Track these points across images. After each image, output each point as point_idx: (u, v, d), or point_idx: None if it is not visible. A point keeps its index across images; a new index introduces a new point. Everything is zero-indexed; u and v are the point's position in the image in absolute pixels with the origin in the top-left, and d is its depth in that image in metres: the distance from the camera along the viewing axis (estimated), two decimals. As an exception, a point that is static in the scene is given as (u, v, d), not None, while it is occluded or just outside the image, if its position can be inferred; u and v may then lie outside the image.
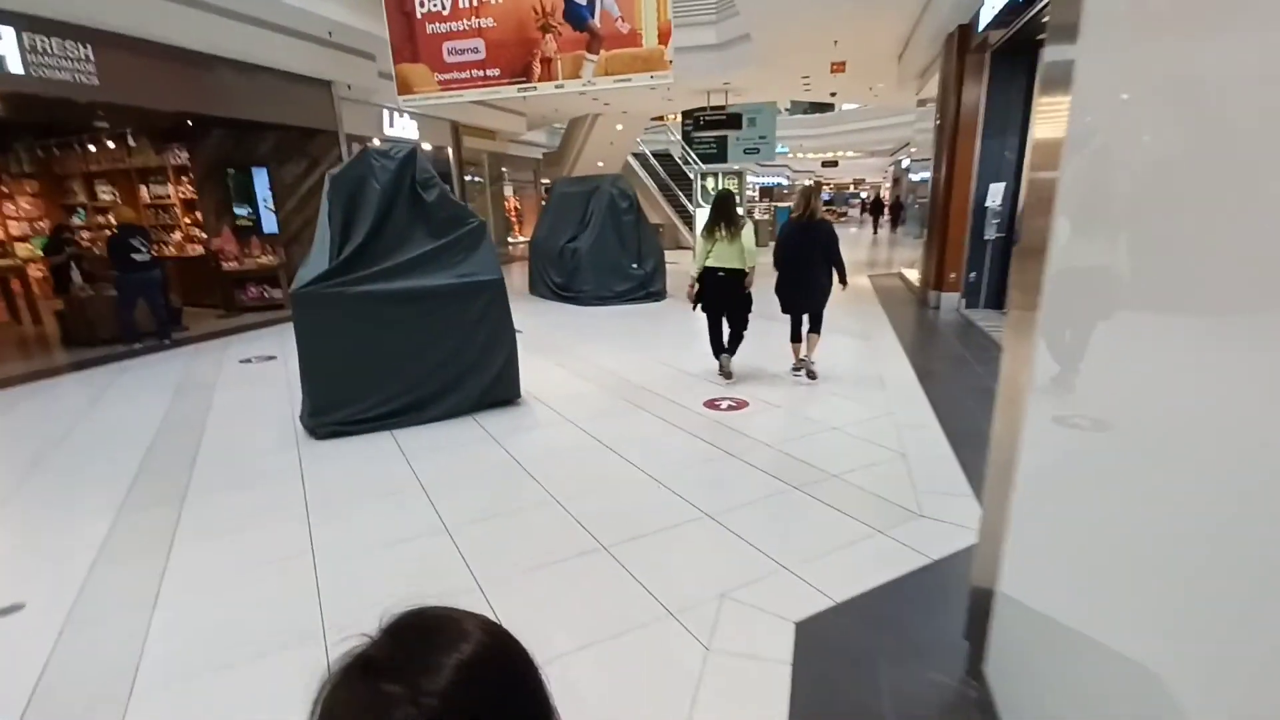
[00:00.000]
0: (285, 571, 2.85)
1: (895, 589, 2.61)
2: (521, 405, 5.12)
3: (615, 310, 9.36)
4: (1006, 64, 8.01)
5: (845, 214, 39.50)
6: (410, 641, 0.55)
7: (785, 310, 5.67)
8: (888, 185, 37.47)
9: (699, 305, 5.62)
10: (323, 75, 9.98)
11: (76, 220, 11.15)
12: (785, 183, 38.38)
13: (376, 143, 13.83)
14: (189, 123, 9.51)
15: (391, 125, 12.71)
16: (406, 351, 4.60)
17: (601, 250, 9.60)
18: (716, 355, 5.77)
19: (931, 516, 3.20)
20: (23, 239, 10.71)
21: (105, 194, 10.87)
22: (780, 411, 4.91)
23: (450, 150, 14.64)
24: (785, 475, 3.70)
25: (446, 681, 0.51)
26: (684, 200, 19.44)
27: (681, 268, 14.83)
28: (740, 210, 5.85)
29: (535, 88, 8.79)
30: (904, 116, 24.58)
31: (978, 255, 8.56)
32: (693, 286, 5.59)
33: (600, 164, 20.35)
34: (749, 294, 5.47)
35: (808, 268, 5.41)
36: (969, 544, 2.86)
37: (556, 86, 8.72)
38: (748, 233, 5.36)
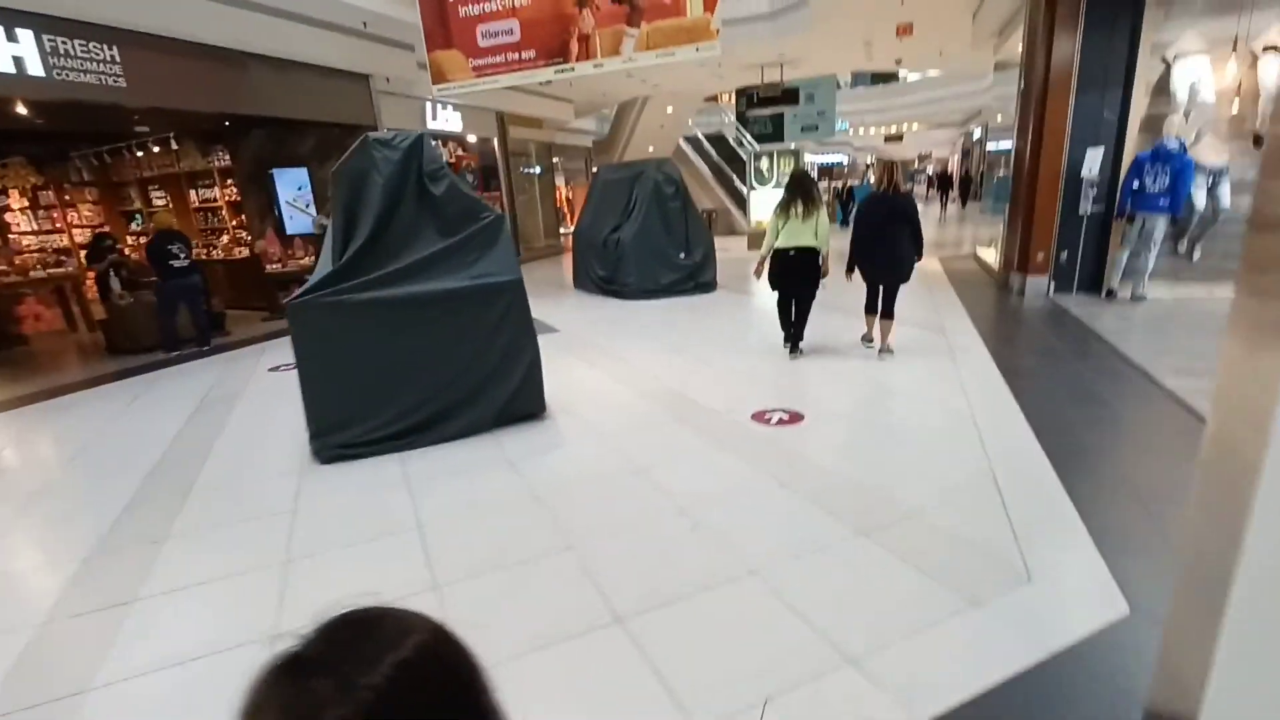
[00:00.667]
0: (239, 645, 2.39)
1: (1003, 699, 1.92)
2: (546, 420, 4.57)
3: (662, 304, 8.73)
4: (1105, 8, 6.89)
5: (910, 190, 37.36)
6: (345, 638, 0.52)
7: (864, 279, 5.55)
8: (956, 158, 35.21)
9: (771, 285, 5.60)
10: (359, 68, 9.67)
11: (134, 226, 11.31)
12: (846, 161, 36.61)
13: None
14: (227, 124, 9.37)
15: (435, 118, 12.39)
16: (416, 365, 4.12)
17: (646, 240, 8.96)
18: (785, 333, 5.75)
19: (1042, 578, 2.47)
20: (85, 246, 10.90)
21: (159, 199, 10.95)
22: (841, 425, 4.19)
23: (495, 141, 14.25)
24: (849, 513, 3.02)
25: (383, 678, 0.48)
26: (738, 183, 18.52)
27: (733, 255, 14.06)
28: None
29: (573, 68, 8.19)
30: (976, 84, 22.81)
31: (1070, 232, 7.49)
32: (761, 264, 5.54)
33: (651, 149, 19.62)
34: (819, 275, 5.40)
35: (888, 240, 5.29)
36: (1102, 624, 2.14)
37: (595, 66, 8.10)
38: (822, 213, 5.32)
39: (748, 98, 14.31)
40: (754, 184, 14.41)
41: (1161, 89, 6.81)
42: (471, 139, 14.03)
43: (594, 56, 8.04)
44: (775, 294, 5.64)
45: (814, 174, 33.08)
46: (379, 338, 4.02)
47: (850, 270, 5.58)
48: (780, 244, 5.34)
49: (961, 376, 4.93)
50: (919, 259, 5.37)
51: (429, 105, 12.12)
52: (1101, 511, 2.93)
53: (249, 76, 8.16)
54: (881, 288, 5.46)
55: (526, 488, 3.54)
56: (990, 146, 12.45)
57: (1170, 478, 3.26)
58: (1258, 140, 6.61)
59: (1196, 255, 7.06)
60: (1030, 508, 3.00)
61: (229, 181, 10.30)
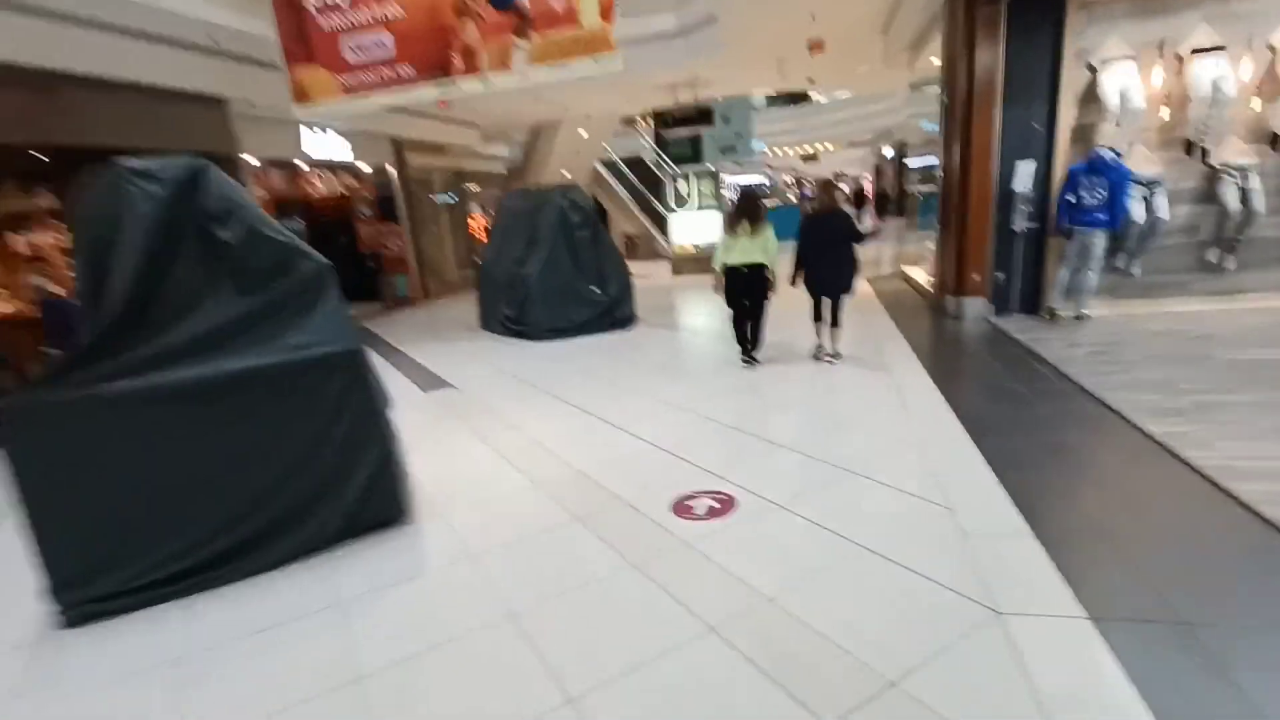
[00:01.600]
0: None
1: None
2: (408, 530, 3.47)
3: (575, 345, 7.73)
4: (1027, 15, 6.45)
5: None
6: None
7: (810, 292, 5.84)
8: (868, 177, 36.01)
9: (726, 301, 5.91)
10: (212, 90, 8.36)
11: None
12: (766, 182, 36.89)
13: (301, 165, 12.26)
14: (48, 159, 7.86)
15: (315, 145, 11.08)
16: (209, 477, 2.96)
17: (554, 274, 7.97)
18: (741, 346, 6.03)
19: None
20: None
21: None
22: (779, 517, 3.27)
23: (392, 169, 13.00)
24: (804, 687, 2.08)
25: None
26: (659, 206, 17.87)
27: (656, 283, 13.24)
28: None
29: (458, 85, 7.17)
30: (885, 103, 23.15)
31: (1005, 251, 6.98)
32: (719, 279, 5.83)
33: (567, 174, 18.75)
34: (769, 285, 5.73)
35: (829, 255, 5.64)
36: None
37: (483, 82, 7.11)
38: (769, 231, 5.64)
39: (662, 119, 13.63)
40: (674, 207, 13.67)
41: (1090, 97, 6.39)
42: (366, 168, 12.75)
43: (480, 71, 7.05)
44: (730, 310, 5.94)
45: (735, 195, 33.04)
46: (147, 445, 2.85)
47: (794, 279, 5.80)
48: (732, 261, 5.67)
49: (920, 434, 4.13)
50: (857, 273, 5.77)
51: (305, 130, 10.82)
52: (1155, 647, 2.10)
53: (66, 100, 6.77)
54: (828, 300, 5.79)
55: (352, 665, 2.43)
56: (911, 164, 12.15)
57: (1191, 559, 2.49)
58: (1189, 148, 6.24)
59: (1136, 270, 6.63)
60: (1055, 661, 2.14)
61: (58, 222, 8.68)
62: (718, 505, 3.41)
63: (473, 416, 5.37)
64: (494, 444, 4.66)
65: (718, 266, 5.78)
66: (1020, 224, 6.73)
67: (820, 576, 2.71)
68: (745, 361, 5.96)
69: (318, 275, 3.27)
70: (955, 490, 3.29)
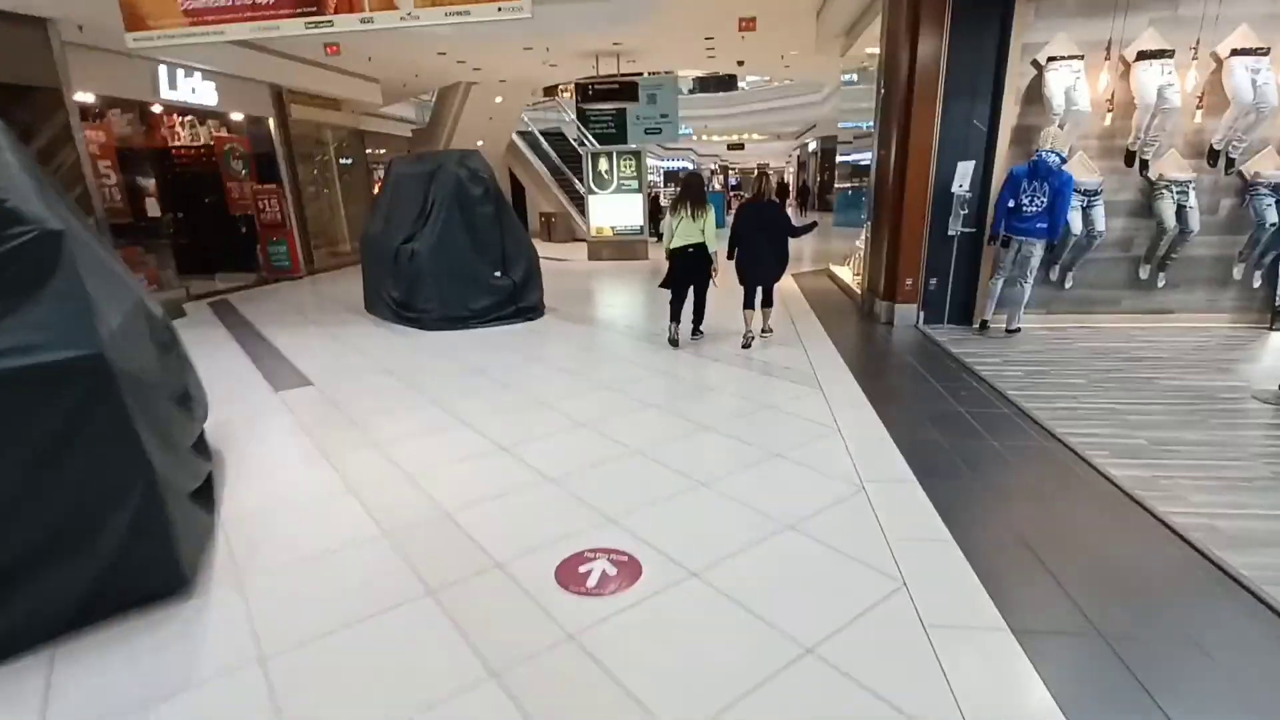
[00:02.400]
0: None
1: None
2: (186, 604, 2.49)
3: (472, 337, 6.75)
4: (973, 6, 5.97)
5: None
6: None
7: (742, 282, 6.01)
8: (792, 170, 36.24)
9: (667, 279, 6.04)
10: (29, 9, 6.76)
11: None
12: (691, 166, 36.43)
13: (157, 110, 10.48)
14: None
15: (174, 87, 9.44)
16: None
17: (448, 254, 6.93)
18: (672, 324, 6.11)
19: None
20: None
21: None
22: (694, 593, 2.53)
23: (272, 123, 11.39)
24: None
25: None
26: (579, 185, 16.89)
27: (572, 266, 12.30)
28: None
29: (331, 21, 5.98)
30: (811, 97, 23.02)
31: (940, 256, 6.56)
32: (671, 257, 5.91)
33: (480, 143, 17.40)
34: (710, 263, 5.85)
35: (762, 244, 5.85)
36: None
37: (363, 20, 5.96)
38: (710, 215, 5.80)
39: (584, 91, 12.65)
40: (593, 187, 12.75)
41: (1033, 97, 6.00)
42: (237, 117, 11.09)
43: (361, 9, 5.89)
44: (669, 289, 6.05)
45: (658, 179, 32.64)
46: None
47: (730, 254, 5.99)
48: (676, 243, 5.79)
49: (863, 472, 3.51)
50: (783, 268, 6.05)
51: (163, 69, 9.17)
52: None
53: None
54: (760, 286, 6.03)
55: None
56: (841, 159, 11.78)
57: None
58: (1130, 159, 5.97)
59: (1069, 283, 6.36)
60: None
61: None
62: (615, 571, 2.64)
63: (326, 427, 4.35)
64: (343, 468, 3.69)
65: (666, 245, 5.88)
66: (956, 227, 6.31)
67: (753, 700, 1.97)
68: (672, 342, 6.07)
69: (37, 242, 2.22)
70: (911, 561, 2.65)
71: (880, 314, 6.96)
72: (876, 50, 9.25)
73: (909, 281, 6.65)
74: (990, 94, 6.13)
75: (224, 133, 11.06)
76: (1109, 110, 5.87)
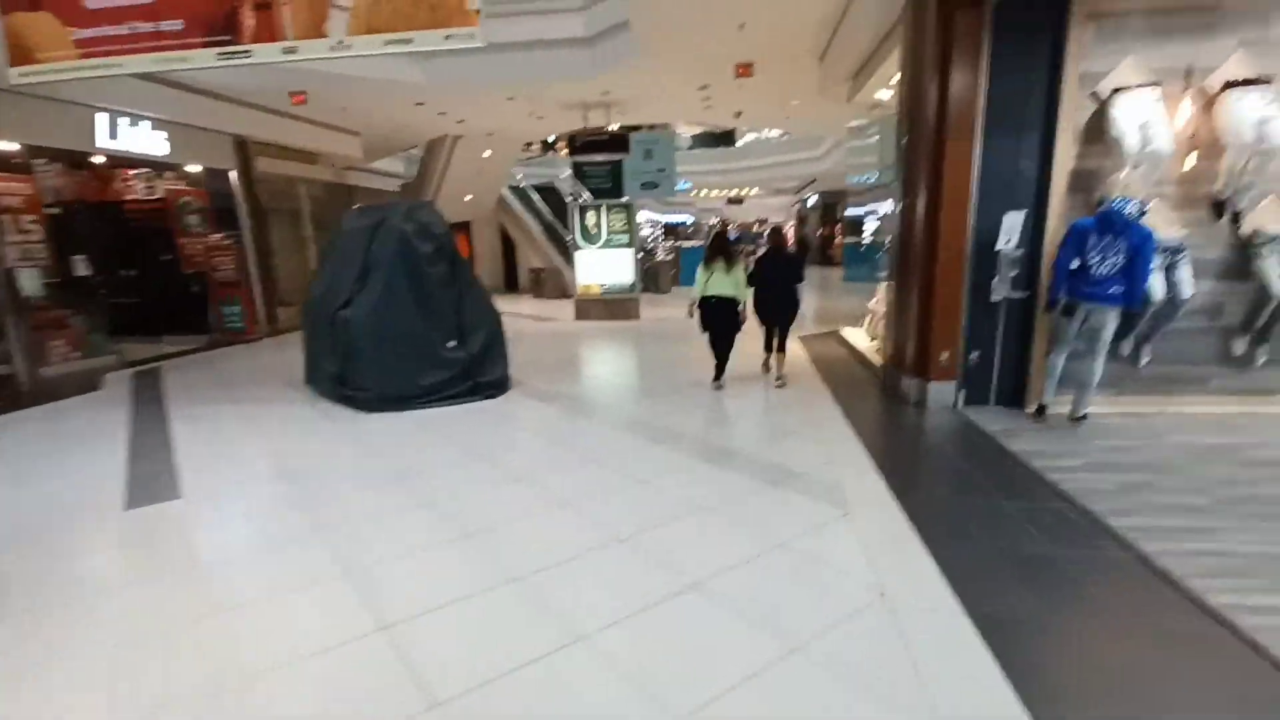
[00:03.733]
0: None
1: None
2: None
3: (416, 422, 5.48)
4: (1018, 30, 4.91)
5: (755, 252, 37.23)
6: None
7: (761, 322, 6.52)
8: (791, 224, 35.52)
9: (702, 326, 6.39)
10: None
11: None
12: (689, 221, 35.83)
13: (100, 160, 9.52)
14: None
15: (114, 136, 8.46)
16: None
17: (389, 319, 5.73)
18: (716, 358, 6.42)
19: None
20: None
21: None
22: None
23: (234, 175, 10.42)
24: None
25: None
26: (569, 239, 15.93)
27: (555, 327, 11.07)
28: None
29: (249, 52, 4.94)
30: (812, 150, 22.34)
31: (983, 325, 5.32)
32: (692, 306, 6.39)
33: (468, 198, 16.56)
34: (741, 318, 6.25)
35: (777, 290, 6.33)
36: None
37: (285, 50, 4.92)
38: (740, 268, 6.21)
39: (571, 142, 11.73)
40: (579, 242, 11.69)
41: (1094, 135, 4.87)
42: (194, 169, 10.13)
43: (281, 36, 4.86)
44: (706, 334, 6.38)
45: (659, 233, 32.02)
46: None
47: (756, 304, 6.39)
48: (707, 293, 6.14)
49: (931, 691, 2.18)
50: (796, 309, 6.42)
51: (103, 117, 8.22)
52: None
53: None
54: (776, 328, 6.44)
55: None
56: (850, 212, 10.71)
57: None
58: (1219, 209, 4.80)
59: (1145, 359, 5.11)
60: None
61: None
62: None
63: (154, 579, 3.05)
64: (134, 677, 2.37)
65: (695, 297, 6.28)
66: (1003, 291, 5.10)
67: None
68: (715, 382, 6.40)
69: None
70: None
71: (909, 393, 5.70)
72: (888, 94, 8.33)
73: (945, 355, 5.41)
74: (1040, 131, 5.01)
75: (183, 185, 10.08)
76: (1192, 149, 4.73)
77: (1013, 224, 4.95)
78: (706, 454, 4.52)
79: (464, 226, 20.29)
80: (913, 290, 5.65)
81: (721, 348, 6.33)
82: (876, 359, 7.00)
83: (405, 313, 5.75)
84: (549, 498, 3.85)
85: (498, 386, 6.31)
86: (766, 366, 6.74)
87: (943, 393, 5.48)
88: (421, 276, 5.80)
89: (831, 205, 26.88)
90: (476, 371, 6.16)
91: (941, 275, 5.32)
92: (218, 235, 10.09)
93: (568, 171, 15.46)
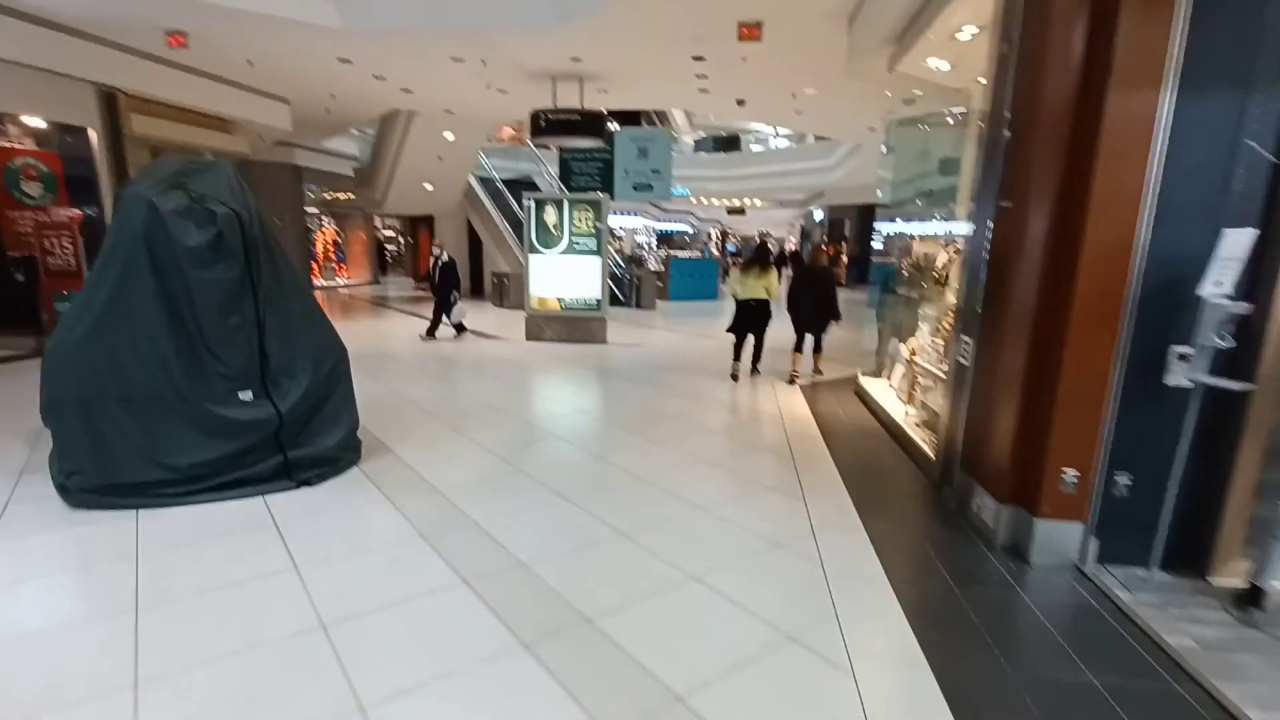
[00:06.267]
0: None
1: None
2: None
3: (147, 541, 3.06)
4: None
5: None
6: None
7: (795, 330, 6.94)
8: (793, 239, 33.09)
9: (731, 326, 6.93)
10: None
11: None
12: (689, 230, 33.46)
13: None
14: None
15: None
16: None
17: (119, 354, 3.31)
18: (736, 359, 6.97)
19: None
20: None
21: None
22: None
23: (94, 136, 7.99)
24: None
25: None
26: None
27: (497, 348, 8.17)
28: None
29: None
30: (822, 160, 19.98)
31: (1142, 428, 2.91)
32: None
33: (429, 186, 14.16)
34: (769, 315, 6.81)
35: (812, 301, 6.81)
36: None
37: None
38: (773, 274, 6.74)
39: (535, 121, 9.30)
40: (535, 245, 9.26)
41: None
42: (40, 123, 7.72)
43: None
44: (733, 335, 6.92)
45: (652, 240, 29.71)
46: None
47: (790, 306, 6.95)
48: (741, 296, 6.70)
49: None
50: (837, 320, 6.89)
51: None
52: None
53: None
54: (810, 335, 6.98)
55: None
56: (880, 228, 8.29)
57: None
58: None
59: None
60: None
61: None
62: None
63: None
64: None
65: (733, 296, 6.75)
66: (1193, 373, 2.70)
67: None
68: (733, 376, 6.90)
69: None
70: None
71: (993, 525, 3.27)
72: (944, 65, 5.96)
73: (1071, 473, 3.00)
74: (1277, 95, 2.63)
75: (19, 144, 7.66)
76: None
77: (1233, 251, 2.55)
78: (643, 695, 2.10)
79: (426, 221, 17.90)
80: (1009, 353, 3.23)
81: (757, 341, 6.97)
82: (917, 438, 4.59)
83: (153, 336, 3.31)
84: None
85: (327, 463, 3.87)
86: (793, 374, 6.88)
87: (1060, 537, 3.06)
88: (184, 282, 3.36)
89: (839, 222, 24.54)
90: (291, 439, 3.72)
91: (1076, 334, 2.90)
92: (67, 212, 7.66)
93: (553, 168, 13.18)
